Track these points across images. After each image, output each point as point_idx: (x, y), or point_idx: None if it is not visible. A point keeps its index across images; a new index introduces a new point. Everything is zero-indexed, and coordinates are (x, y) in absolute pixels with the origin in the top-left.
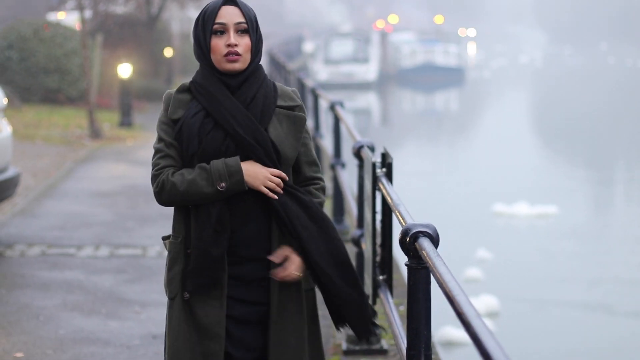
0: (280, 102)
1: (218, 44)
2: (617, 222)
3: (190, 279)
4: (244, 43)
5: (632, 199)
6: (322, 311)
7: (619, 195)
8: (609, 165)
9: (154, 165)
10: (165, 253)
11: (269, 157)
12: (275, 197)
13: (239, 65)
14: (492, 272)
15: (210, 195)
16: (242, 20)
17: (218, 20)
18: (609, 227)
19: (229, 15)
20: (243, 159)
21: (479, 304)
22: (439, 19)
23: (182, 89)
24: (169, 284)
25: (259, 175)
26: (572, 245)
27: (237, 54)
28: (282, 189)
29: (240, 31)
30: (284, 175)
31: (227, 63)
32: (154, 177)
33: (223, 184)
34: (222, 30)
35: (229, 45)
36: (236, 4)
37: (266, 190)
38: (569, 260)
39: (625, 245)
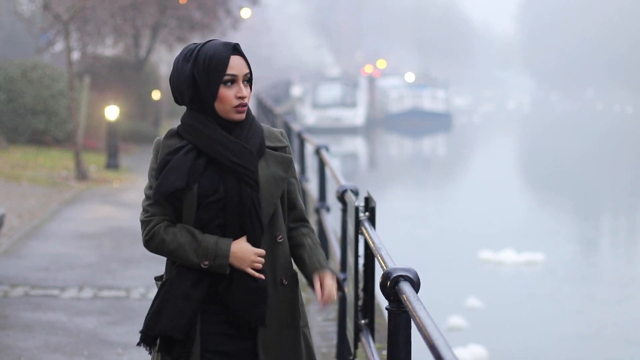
0: (268, 143)
1: (228, 95)
2: (604, 269)
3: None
4: (248, 93)
5: (620, 245)
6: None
7: (606, 241)
8: (596, 211)
9: (144, 210)
10: (150, 295)
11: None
12: (262, 277)
13: (244, 115)
14: (478, 320)
15: (194, 265)
16: (248, 71)
17: (230, 71)
18: (596, 273)
19: (238, 66)
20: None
21: (467, 354)
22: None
23: (170, 135)
24: None
25: (247, 258)
26: (560, 294)
27: (245, 105)
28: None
29: (245, 81)
30: (264, 252)
31: (236, 114)
32: (144, 224)
33: (206, 262)
34: (232, 81)
35: (240, 97)
36: (242, 54)
37: (252, 272)
38: (556, 309)
39: (614, 293)
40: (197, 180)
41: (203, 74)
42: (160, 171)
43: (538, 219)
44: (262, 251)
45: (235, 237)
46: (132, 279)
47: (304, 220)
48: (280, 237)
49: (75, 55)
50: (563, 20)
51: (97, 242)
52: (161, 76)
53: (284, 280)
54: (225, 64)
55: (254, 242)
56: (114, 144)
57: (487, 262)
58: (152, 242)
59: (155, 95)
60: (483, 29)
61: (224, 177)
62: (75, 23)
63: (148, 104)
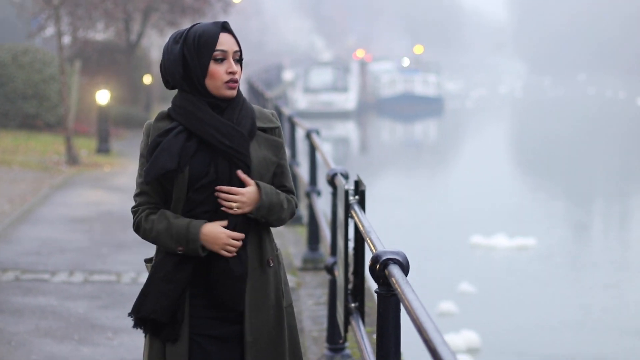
0: (259, 124)
1: (219, 70)
2: (596, 253)
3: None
4: (239, 70)
5: (612, 229)
6: (302, 325)
7: (599, 226)
8: (588, 196)
9: (134, 200)
10: (141, 279)
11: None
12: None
13: (235, 92)
14: (470, 306)
15: (172, 251)
16: (238, 49)
17: (219, 47)
18: (588, 258)
19: (228, 43)
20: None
21: (459, 339)
22: (418, 49)
23: (161, 117)
24: None
25: (218, 240)
26: (553, 279)
27: (236, 81)
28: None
29: (236, 60)
30: (242, 236)
31: (227, 90)
32: (133, 214)
33: (181, 248)
34: (223, 58)
35: (230, 73)
36: (231, 33)
37: (225, 253)
38: (549, 294)
39: (606, 278)
40: (189, 162)
41: (193, 51)
42: (151, 153)
43: (530, 204)
44: (235, 234)
45: (226, 219)
46: (122, 263)
47: (290, 193)
48: None
49: (66, 40)
50: (555, 5)
51: (87, 226)
52: (152, 61)
53: (270, 262)
54: (215, 39)
55: (235, 225)
56: (105, 129)
57: (479, 247)
58: (139, 232)
59: (147, 79)
60: (475, 14)
61: (215, 159)
62: (66, 7)
63: (139, 88)
